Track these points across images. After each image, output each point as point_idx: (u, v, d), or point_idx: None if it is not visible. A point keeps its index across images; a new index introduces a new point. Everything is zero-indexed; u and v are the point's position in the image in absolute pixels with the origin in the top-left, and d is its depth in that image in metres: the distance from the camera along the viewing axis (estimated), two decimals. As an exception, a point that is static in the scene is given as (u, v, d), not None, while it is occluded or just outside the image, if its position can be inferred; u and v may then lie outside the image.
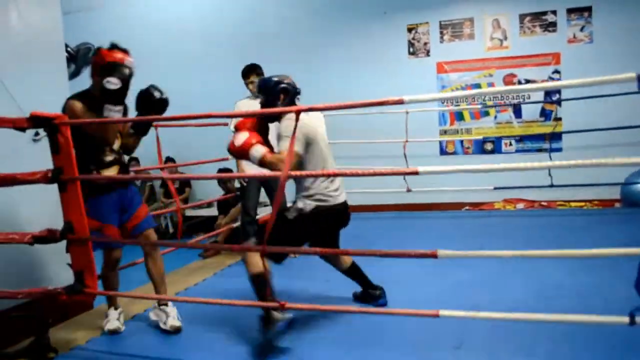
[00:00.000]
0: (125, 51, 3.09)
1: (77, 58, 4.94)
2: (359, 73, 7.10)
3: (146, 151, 7.71)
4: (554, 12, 6.90)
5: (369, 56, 7.31)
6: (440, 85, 7.24)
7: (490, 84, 7.06)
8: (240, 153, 3.04)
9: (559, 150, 6.67)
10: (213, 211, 6.93)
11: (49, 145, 2.80)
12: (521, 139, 7.00)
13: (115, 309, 3.40)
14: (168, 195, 7.71)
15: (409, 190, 6.45)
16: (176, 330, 3.23)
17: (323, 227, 3.22)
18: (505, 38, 7.07)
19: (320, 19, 7.55)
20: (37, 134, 3.45)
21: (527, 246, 2.91)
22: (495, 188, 6.52)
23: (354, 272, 3.54)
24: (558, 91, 6.82)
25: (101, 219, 3.10)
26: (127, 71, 3.02)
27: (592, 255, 2.93)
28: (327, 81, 7.33)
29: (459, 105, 7.12)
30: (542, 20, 6.93)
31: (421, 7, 7.28)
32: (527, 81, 6.90)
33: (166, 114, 3.22)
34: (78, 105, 2.99)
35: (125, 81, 3.01)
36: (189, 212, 7.43)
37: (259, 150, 2.94)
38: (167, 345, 3.05)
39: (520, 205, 6.81)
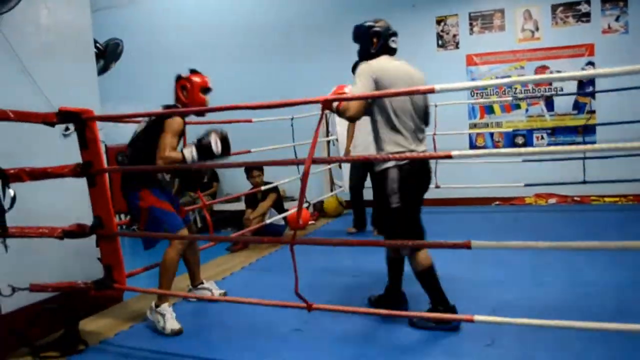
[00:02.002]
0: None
1: (106, 54, 4.99)
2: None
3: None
4: (588, 2, 6.72)
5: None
6: (470, 77, 7.13)
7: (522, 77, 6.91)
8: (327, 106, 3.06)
9: (593, 143, 6.51)
10: (241, 205, 6.94)
11: (78, 140, 2.82)
12: (553, 132, 6.84)
13: (169, 304, 3.31)
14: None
15: (437, 187, 6.35)
16: (224, 294, 3.73)
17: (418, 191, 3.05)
18: (537, 29, 6.92)
19: (348, 12, 7.47)
20: (67, 129, 3.48)
21: (560, 241, 2.86)
22: (526, 185, 6.43)
23: (429, 281, 3.03)
24: (592, 83, 6.65)
25: (169, 202, 3.43)
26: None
27: (627, 248, 2.85)
28: (348, 75, 7.25)
29: (489, 98, 7.00)
30: (575, 11, 6.76)
31: (450, -1, 7.17)
32: (559, 72, 6.74)
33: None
34: (179, 120, 3.32)
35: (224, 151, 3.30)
36: (217, 207, 7.46)
37: (335, 102, 2.91)
38: (193, 340, 3.06)
39: (552, 200, 6.67)
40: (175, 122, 3.29)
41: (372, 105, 2.96)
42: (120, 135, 8.02)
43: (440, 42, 7.27)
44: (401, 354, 2.75)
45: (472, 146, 7.18)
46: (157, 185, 3.41)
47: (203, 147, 3.21)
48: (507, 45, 7.01)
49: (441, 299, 2.98)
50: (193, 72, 3.54)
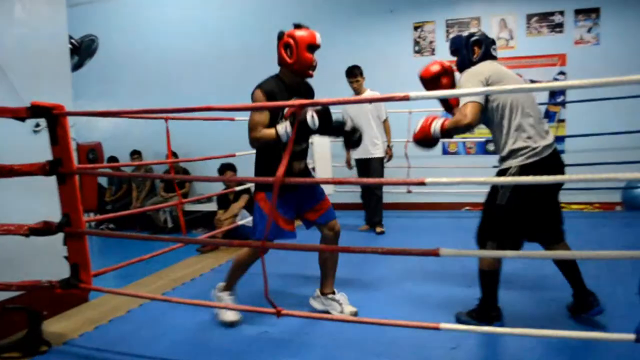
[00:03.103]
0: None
1: (81, 50, 4.92)
2: (364, 71, 7.02)
3: (147, 145, 7.83)
4: (562, 13, 6.84)
5: (374, 54, 7.24)
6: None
7: (495, 84, 6.99)
8: (422, 140, 3.03)
9: (562, 152, 6.60)
10: (213, 206, 6.90)
11: (49, 136, 2.77)
12: (524, 140, 6.94)
13: (231, 293, 3.30)
14: (168, 189, 7.68)
15: (409, 192, 6.49)
16: (355, 314, 3.26)
17: (540, 191, 2.86)
18: (512, 38, 7.02)
19: (325, 17, 7.49)
20: (37, 125, 3.41)
21: (527, 247, 2.91)
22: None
23: (570, 268, 3.03)
24: (563, 93, 6.77)
25: (279, 212, 3.10)
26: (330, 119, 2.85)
27: (589, 257, 2.92)
28: (332, 78, 7.27)
29: (462, 105, 7.07)
30: (549, 21, 6.88)
31: (427, 5, 7.23)
32: (533, 82, 6.84)
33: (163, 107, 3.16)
34: (259, 95, 2.96)
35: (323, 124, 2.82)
36: (189, 207, 7.41)
37: (437, 123, 2.93)
38: (159, 343, 3.02)
39: (522, 207, 6.76)
40: (255, 98, 2.97)
41: (488, 106, 2.90)
42: (93, 132, 7.97)
43: (417, 47, 7.33)
44: (371, 356, 2.77)
45: (445, 152, 7.25)
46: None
47: (299, 122, 2.77)
48: (482, 53, 7.09)
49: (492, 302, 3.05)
50: (297, 26, 3.11)
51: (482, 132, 7.06)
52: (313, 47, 3.07)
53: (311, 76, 3.13)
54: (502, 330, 2.32)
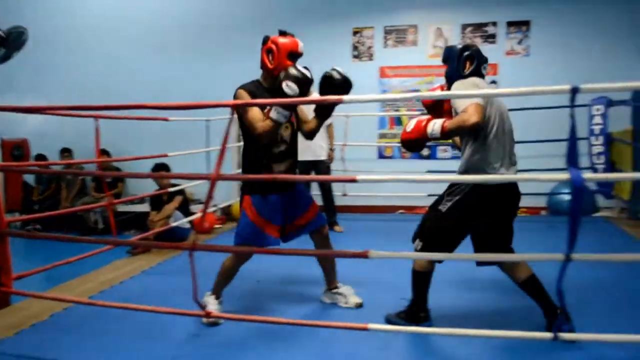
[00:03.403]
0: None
1: (8, 42, 4.69)
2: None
3: (77, 143, 7.56)
4: (495, 24, 7.08)
5: (313, 57, 7.19)
6: (382, 89, 7.31)
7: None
8: (415, 140, 3.02)
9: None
10: (146, 207, 6.74)
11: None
12: (456, 145, 7.12)
13: (217, 297, 3.32)
14: (99, 189, 7.45)
15: (344, 195, 6.57)
16: (360, 306, 3.45)
17: (481, 211, 2.91)
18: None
19: (264, 18, 7.47)
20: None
21: (456, 249, 2.99)
22: (429, 195, 6.70)
23: (533, 288, 3.01)
24: (494, 101, 6.99)
25: (265, 217, 3.17)
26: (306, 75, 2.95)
27: (516, 260, 3.03)
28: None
29: (398, 110, 7.21)
30: (482, 32, 7.11)
31: (367, 11, 7.32)
32: (465, 90, 7.05)
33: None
34: (243, 93, 3.07)
35: (303, 89, 2.92)
36: (121, 208, 7.21)
37: (436, 124, 2.90)
38: (83, 349, 2.92)
39: (454, 211, 6.96)
40: (242, 98, 3.05)
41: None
42: (20, 128, 7.64)
43: (355, 52, 7.41)
44: (301, 357, 2.77)
45: (381, 156, 7.37)
46: (260, 191, 3.17)
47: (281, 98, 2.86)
48: (418, 60, 7.26)
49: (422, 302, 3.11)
50: (282, 33, 3.19)
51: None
52: (295, 55, 3.13)
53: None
54: (427, 330, 2.38)
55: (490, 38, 7.09)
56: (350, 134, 6.58)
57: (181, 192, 5.72)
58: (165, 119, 5.02)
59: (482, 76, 3.11)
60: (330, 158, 6.00)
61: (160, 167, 5.73)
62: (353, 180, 2.20)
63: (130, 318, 3.19)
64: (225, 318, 3.09)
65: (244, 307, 3.48)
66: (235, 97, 3.09)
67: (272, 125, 2.91)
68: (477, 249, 3.03)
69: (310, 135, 3.31)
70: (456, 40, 7.15)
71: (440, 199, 3.05)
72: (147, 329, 3.12)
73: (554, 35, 6.87)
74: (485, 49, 6.87)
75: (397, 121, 7.32)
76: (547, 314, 2.95)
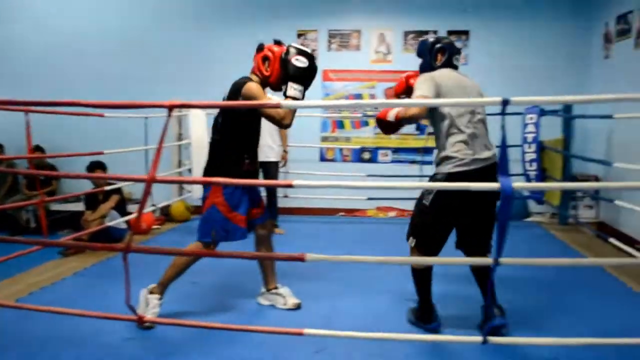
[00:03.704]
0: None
1: None
2: (246, 73, 6.98)
3: (10, 138, 7.23)
4: (435, 33, 7.22)
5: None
6: (325, 92, 7.34)
7: (372, 96, 7.27)
8: (382, 120, 3.18)
9: (430, 163, 6.99)
10: (81, 206, 6.53)
11: None
12: (397, 150, 7.27)
13: (161, 295, 3.28)
14: (31, 186, 7.16)
15: (286, 197, 6.58)
16: (298, 307, 3.49)
17: (460, 199, 2.95)
18: (389, 52, 7.32)
19: (210, 18, 7.39)
20: None
21: (396, 253, 3.04)
22: (369, 199, 6.84)
23: (482, 278, 3.10)
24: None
25: (237, 210, 3.25)
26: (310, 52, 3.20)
27: (451, 264, 3.12)
28: (211, 81, 7.16)
29: (341, 113, 7.27)
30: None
31: (311, 14, 7.35)
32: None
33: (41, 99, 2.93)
34: (257, 86, 3.21)
35: (312, 63, 3.17)
36: (55, 207, 6.95)
37: (392, 112, 3.08)
38: (8, 355, 2.81)
39: (392, 214, 7.10)
40: (254, 89, 3.18)
41: (433, 112, 3.06)
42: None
43: (298, 54, 7.41)
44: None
45: (323, 158, 7.40)
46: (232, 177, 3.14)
47: (296, 76, 3.11)
48: (361, 65, 7.34)
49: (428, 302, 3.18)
50: (277, 43, 3.32)
51: (358, 140, 7.31)
52: (289, 62, 3.20)
53: (280, 90, 3.29)
54: (360, 335, 2.40)
55: (431, 46, 7.24)
56: (292, 136, 6.58)
57: (118, 191, 5.58)
58: (101, 115, 4.89)
59: (455, 67, 3.23)
60: (284, 159, 6.01)
61: (96, 166, 5.57)
62: (289, 186, 2.20)
63: (59, 322, 3.09)
64: (158, 323, 3.03)
65: (179, 311, 3.43)
66: (247, 89, 3.17)
67: (294, 106, 3.11)
68: (461, 239, 3.16)
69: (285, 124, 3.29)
70: (399, 47, 7.28)
71: (423, 193, 3.13)
72: (77, 334, 3.03)
73: (491, 45, 7.09)
74: (426, 56, 7.15)
75: (340, 124, 7.38)
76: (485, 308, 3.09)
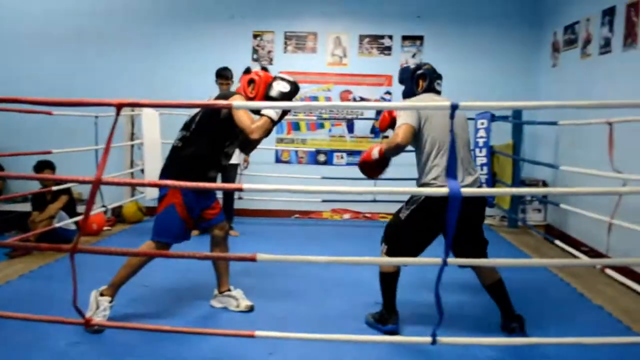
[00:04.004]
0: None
1: None
2: (201, 75, 6.90)
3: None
4: (390, 37, 7.33)
5: (212, 59, 7.15)
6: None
7: (328, 98, 7.30)
8: (363, 164, 3.35)
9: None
10: (28, 206, 6.33)
11: None
12: (352, 153, 7.33)
13: (112, 297, 3.23)
14: (-25, 186, 6.92)
15: (240, 198, 6.55)
16: (251, 309, 3.51)
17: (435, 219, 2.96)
18: (345, 56, 7.38)
19: (165, 17, 7.29)
20: None
21: (351, 254, 3.07)
22: (324, 201, 6.88)
23: (498, 293, 3.24)
24: (388, 111, 7.23)
25: (191, 215, 3.31)
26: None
27: (397, 263, 3.17)
28: (167, 80, 7.10)
29: (296, 115, 7.28)
30: (379, 44, 7.34)
31: (268, 15, 7.33)
32: (362, 99, 7.26)
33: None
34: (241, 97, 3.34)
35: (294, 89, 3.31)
36: (2, 207, 6.71)
37: (375, 149, 3.22)
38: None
39: (347, 216, 7.15)
40: (239, 99, 3.30)
41: (418, 135, 3.10)
42: None
43: (255, 56, 7.40)
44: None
45: (278, 160, 7.40)
46: (195, 189, 3.25)
47: (275, 98, 3.19)
48: (317, 67, 7.37)
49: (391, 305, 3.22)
50: (264, 69, 3.49)
51: (313, 142, 7.33)
52: None
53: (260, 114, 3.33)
54: (310, 336, 2.42)
55: (387, 50, 7.34)
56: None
57: (67, 191, 5.44)
58: (49, 113, 4.75)
59: (437, 92, 3.30)
60: (246, 162, 6.00)
61: (44, 165, 5.41)
62: (239, 189, 2.20)
63: (3, 327, 2.99)
64: (107, 326, 2.98)
65: (129, 314, 3.37)
66: (233, 99, 3.25)
67: (270, 122, 3.18)
68: (457, 254, 3.17)
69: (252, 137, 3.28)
70: (355, 51, 7.34)
71: (402, 206, 3.21)
72: (21, 339, 2.94)
73: (444, 51, 7.22)
74: (382, 60, 7.26)
75: (295, 126, 7.39)
76: (506, 316, 3.21)
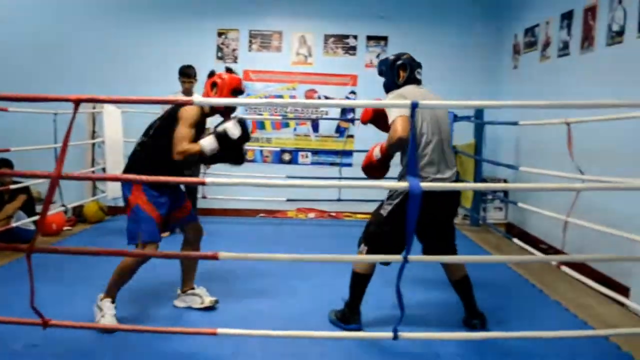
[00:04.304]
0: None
1: None
2: (165, 73, 6.81)
3: None
4: (355, 37, 7.37)
5: (176, 57, 7.06)
6: (245, 93, 7.28)
7: (293, 97, 7.29)
8: (367, 166, 3.25)
9: (349, 165, 7.13)
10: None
11: None
12: (317, 152, 7.34)
13: (113, 301, 3.18)
14: None
15: (204, 197, 6.50)
16: (216, 303, 3.49)
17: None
18: (310, 55, 7.38)
19: (126, 11, 7.17)
20: None
21: (315, 253, 3.08)
22: (288, 200, 6.88)
23: (464, 289, 3.30)
24: (353, 110, 7.28)
25: (159, 212, 3.22)
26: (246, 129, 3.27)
27: (358, 261, 3.19)
28: (130, 76, 6.99)
29: (261, 115, 7.26)
30: (344, 43, 7.37)
31: (233, 13, 7.28)
32: (327, 98, 7.27)
33: None
34: (196, 109, 3.22)
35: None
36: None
37: (376, 149, 3.16)
38: None
39: (312, 215, 7.15)
40: (190, 112, 3.17)
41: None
42: None
43: (219, 54, 7.34)
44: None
45: (243, 159, 7.35)
46: (157, 188, 3.22)
47: (221, 135, 3.10)
48: (282, 66, 7.35)
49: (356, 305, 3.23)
50: (228, 70, 3.42)
51: (278, 142, 7.32)
52: (237, 92, 3.37)
53: (228, 117, 3.31)
54: (273, 333, 2.42)
55: (351, 50, 7.37)
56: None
57: (26, 190, 5.32)
58: (5, 110, 4.64)
59: (418, 82, 3.27)
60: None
61: (1, 163, 5.28)
62: (202, 183, 2.19)
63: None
64: (67, 327, 2.90)
65: (91, 313, 3.30)
66: (184, 109, 3.19)
67: (197, 152, 3.09)
68: (425, 247, 3.22)
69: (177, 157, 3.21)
70: (320, 51, 7.35)
71: (382, 203, 3.17)
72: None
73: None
74: (346, 60, 7.30)
75: (260, 125, 7.36)
76: (469, 313, 3.28)
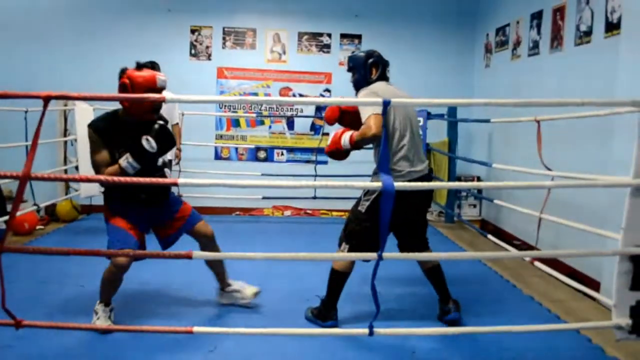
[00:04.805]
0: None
1: None
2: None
3: None
4: (329, 35, 7.39)
5: (148, 54, 6.98)
6: (220, 90, 7.27)
7: (267, 95, 7.29)
8: (333, 151, 3.25)
9: (325, 163, 7.14)
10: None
11: None
12: (292, 150, 7.35)
13: (107, 305, 3.14)
14: None
15: (180, 196, 6.41)
16: (257, 293, 3.49)
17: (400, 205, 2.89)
18: (284, 52, 7.38)
19: (98, 7, 7.08)
20: None
21: (291, 250, 3.08)
22: (264, 198, 6.87)
23: (436, 277, 3.37)
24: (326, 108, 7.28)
25: (128, 221, 3.10)
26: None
27: (336, 259, 3.21)
28: (102, 71, 6.86)
29: (236, 112, 7.23)
30: (318, 41, 7.38)
31: (206, 10, 7.24)
32: (301, 96, 7.28)
33: None
34: (92, 134, 3.03)
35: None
36: None
37: (346, 136, 3.12)
38: None
39: (288, 212, 7.16)
40: (89, 136, 3.02)
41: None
42: None
43: (193, 51, 7.30)
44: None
45: (218, 157, 7.33)
46: (118, 200, 3.14)
47: (136, 151, 2.87)
48: (257, 64, 7.34)
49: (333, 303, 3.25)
50: (138, 66, 3.00)
51: (253, 139, 7.31)
52: (153, 91, 2.94)
53: (152, 119, 3.02)
54: (249, 331, 2.42)
55: (326, 48, 7.39)
56: (186, 134, 6.45)
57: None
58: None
59: (387, 79, 3.32)
60: (178, 157, 5.90)
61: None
62: (174, 184, 2.18)
63: None
64: (39, 327, 2.86)
65: (65, 314, 3.26)
66: (87, 135, 3.05)
67: (118, 172, 2.91)
68: (399, 241, 3.29)
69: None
70: (294, 48, 7.35)
71: (359, 199, 3.21)
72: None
73: (381, 49, 7.05)
74: (321, 58, 7.32)
75: (235, 123, 7.33)
76: (442, 300, 3.35)
